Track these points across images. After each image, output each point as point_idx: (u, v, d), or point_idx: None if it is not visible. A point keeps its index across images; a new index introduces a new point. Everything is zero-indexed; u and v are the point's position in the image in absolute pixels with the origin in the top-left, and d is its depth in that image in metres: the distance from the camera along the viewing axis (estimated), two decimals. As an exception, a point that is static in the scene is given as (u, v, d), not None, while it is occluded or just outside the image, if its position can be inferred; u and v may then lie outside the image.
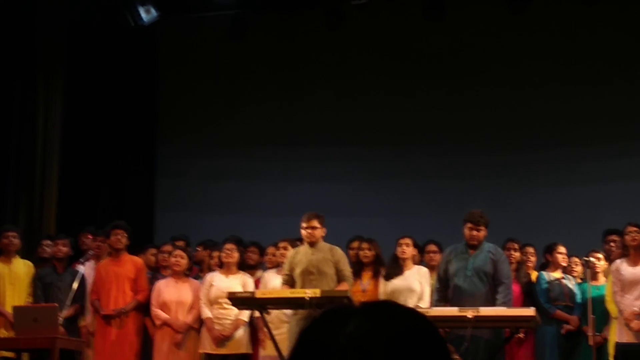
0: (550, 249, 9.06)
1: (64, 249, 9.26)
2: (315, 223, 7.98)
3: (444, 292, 7.74)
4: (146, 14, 12.01)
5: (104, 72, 12.49)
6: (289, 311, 8.06)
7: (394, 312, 1.35)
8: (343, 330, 1.30)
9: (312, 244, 7.98)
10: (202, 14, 12.51)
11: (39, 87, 11.55)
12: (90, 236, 9.82)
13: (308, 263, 7.88)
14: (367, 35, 12.41)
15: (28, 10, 11.52)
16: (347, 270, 8.01)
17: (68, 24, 11.90)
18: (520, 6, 11.54)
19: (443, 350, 1.34)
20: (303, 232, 8.01)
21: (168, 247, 9.50)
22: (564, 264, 8.97)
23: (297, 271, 7.91)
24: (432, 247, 9.22)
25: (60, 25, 11.85)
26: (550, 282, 8.79)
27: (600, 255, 8.79)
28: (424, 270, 8.71)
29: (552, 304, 8.70)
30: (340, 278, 7.90)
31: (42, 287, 9.04)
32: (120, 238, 9.05)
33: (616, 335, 8.16)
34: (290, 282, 7.97)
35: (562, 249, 9.00)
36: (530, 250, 9.21)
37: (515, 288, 8.53)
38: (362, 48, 12.46)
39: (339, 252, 8.06)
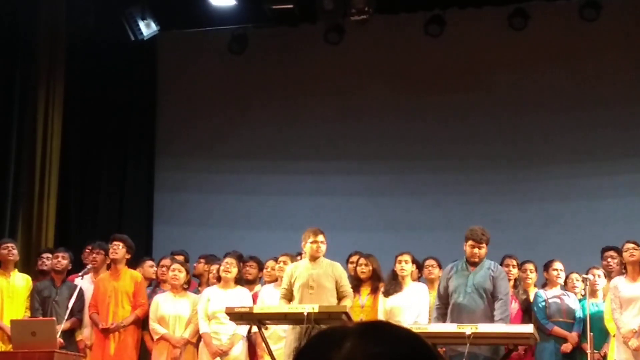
0: (547, 266, 9.05)
1: (63, 262, 9.25)
2: (322, 238, 8.00)
3: (443, 310, 7.72)
4: (146, 28, 12.01)
5: (103, 86, 12.53)
6: (286, 326, 8.04)
7: (390, 332, 1.34)
8: (338, 350, 1.30)
9: (313, 259, 7.97)
10: (202, 29, 12.52)
11: (38, 100, 11.54)
12: (89, 248, 9.82)
13: (308, 277, 7.87)
14: (368, 51, 12.42)
15: (28, 24, 11.54)
16: (347, 286, 8.00)
17: (68, 38, 11.92)
18: (520, 22, 11.57)
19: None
20: (312, 246, 7.96)
21: (167, 261, 9.48)
22: (560, 281, 8.95)
23: (297, 285, 7.89)
24: (431, 262, 9.20)
25: (60, 38, 11.87)
26: (547, 299, 8.76)
27: (599, 273, 8.77)
28: (423, 287, 8.70)
29: (549, 321, 8.68)
30: (340, 295, 7.89)
31: (40, 301, 9.03)
32: (116, 249, 9.04)
33: (615, 353, 8.14)
34: (288, 296, 7.95)
35: (557, 266, 8.96)
36: (530, 267, 9.18)
37: (515, 305, 8.52)
38: (363, 63, 12.48)
39: (339, 268, 8.07)
